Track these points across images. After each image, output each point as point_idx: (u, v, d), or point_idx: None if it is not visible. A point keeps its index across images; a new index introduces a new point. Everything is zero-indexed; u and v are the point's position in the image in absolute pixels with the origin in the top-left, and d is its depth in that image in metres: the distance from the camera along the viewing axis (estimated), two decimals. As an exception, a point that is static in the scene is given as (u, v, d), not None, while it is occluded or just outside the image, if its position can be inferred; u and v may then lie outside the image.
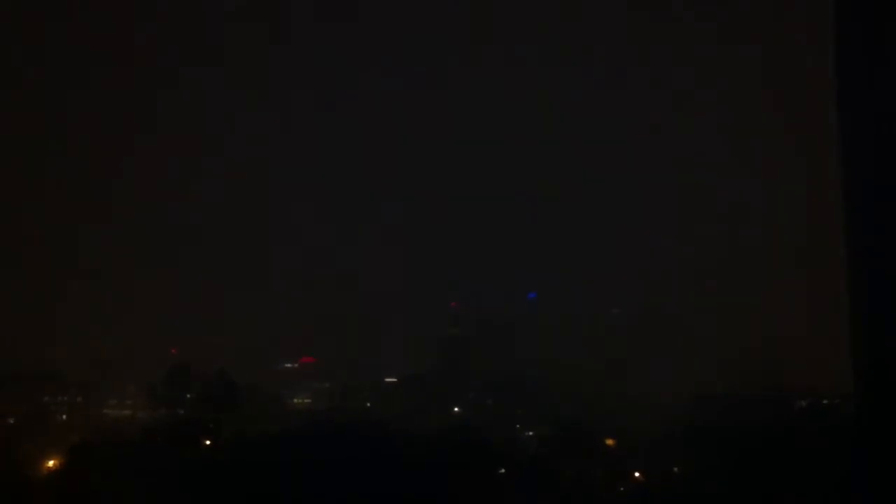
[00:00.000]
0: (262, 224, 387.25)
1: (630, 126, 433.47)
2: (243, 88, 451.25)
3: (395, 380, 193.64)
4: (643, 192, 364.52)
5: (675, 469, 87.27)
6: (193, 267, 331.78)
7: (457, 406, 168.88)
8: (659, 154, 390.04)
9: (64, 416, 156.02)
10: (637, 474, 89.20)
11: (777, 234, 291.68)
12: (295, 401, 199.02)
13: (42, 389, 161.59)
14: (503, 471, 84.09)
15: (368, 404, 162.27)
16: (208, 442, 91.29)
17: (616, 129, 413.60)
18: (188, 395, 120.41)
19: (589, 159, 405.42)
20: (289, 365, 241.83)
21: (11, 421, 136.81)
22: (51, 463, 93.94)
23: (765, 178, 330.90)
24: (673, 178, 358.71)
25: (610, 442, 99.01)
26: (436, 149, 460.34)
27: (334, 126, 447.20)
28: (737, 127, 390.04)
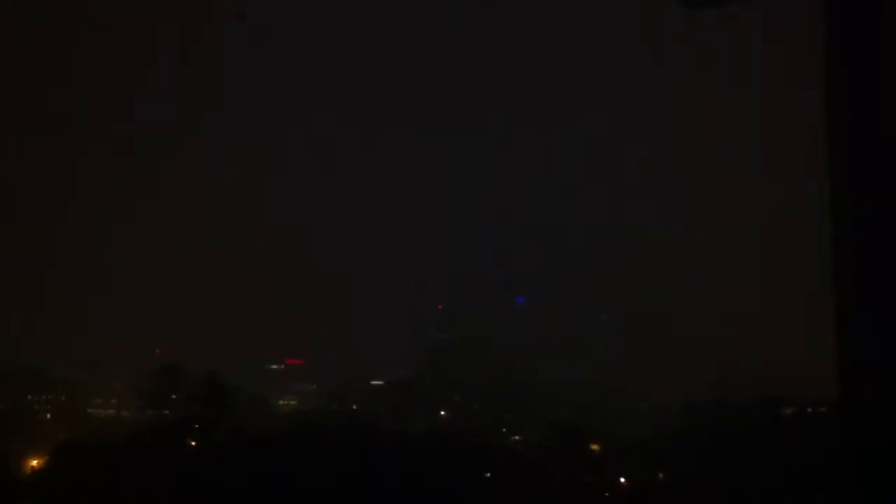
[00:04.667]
0: (250, 222, 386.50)
1: (628, 125, 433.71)
2: (227, 86, 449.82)
3: (381, 382, 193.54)
4: (639, 195, 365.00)
5: (661, 475, 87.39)
6: (180, 266, 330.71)
7: (443, 409, 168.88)
8: (656, 155, 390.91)
9: (48, 416, 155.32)
10: (622, 480, 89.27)
11: (770, 239, 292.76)
12: (280, 402, 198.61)
13: (26, 388, 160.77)
14: (488, 475, 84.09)
15: (355, 406, 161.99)
16: (194, 443, 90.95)
17: (614, 127, 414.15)
18: (174, 396, 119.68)
19: (585, 160, 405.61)
20: (274, 366, 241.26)
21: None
22: (34, 462, 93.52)
23: (760, 184, 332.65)
24: (670, 181, 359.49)
25: (595, 447, 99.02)
26: (427, 145, 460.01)
27: (322, 122, 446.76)
28: (736, 130, 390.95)
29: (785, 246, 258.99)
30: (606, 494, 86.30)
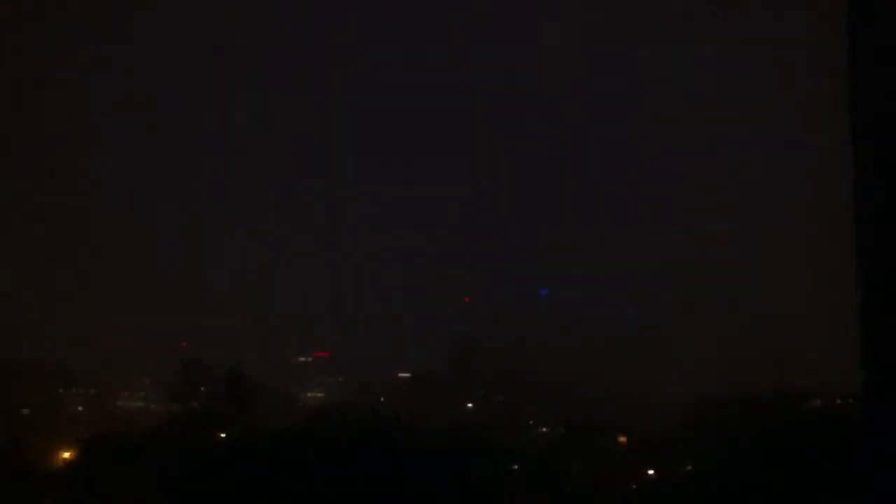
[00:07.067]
0: (272, 215, 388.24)
1: (634, 121, 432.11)
2: (241, 72, 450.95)
3: (407, 375, 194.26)
4: (649, 189, 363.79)
5: (689, 468, 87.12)
6: (205, 259, 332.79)
7: (469, 403, 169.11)
8: (664, 149, 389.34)
9: (80, 409, 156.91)
10: (650, 472, 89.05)
11: (784, 230, 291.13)
12: (308, 395, 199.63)
13: (56, 382, 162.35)
14: (515, 468, 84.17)
15: (381, 399, 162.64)
16: (223, 436, 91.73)
17: (619, 125, 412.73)
18: (202, 389, 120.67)
19: (594, 157, 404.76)
20: (301, 359, 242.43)
21: (26, 413, 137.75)
22: (66, 455, 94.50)
23: (772, 175, 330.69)
24: (679, 175, 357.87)
25: (622, 439, 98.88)
26: (442, 141, 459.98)
27: (339, 115, 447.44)
28: (743, 124, 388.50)
29: (802, 236, 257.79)
30: (634, 486, 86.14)
